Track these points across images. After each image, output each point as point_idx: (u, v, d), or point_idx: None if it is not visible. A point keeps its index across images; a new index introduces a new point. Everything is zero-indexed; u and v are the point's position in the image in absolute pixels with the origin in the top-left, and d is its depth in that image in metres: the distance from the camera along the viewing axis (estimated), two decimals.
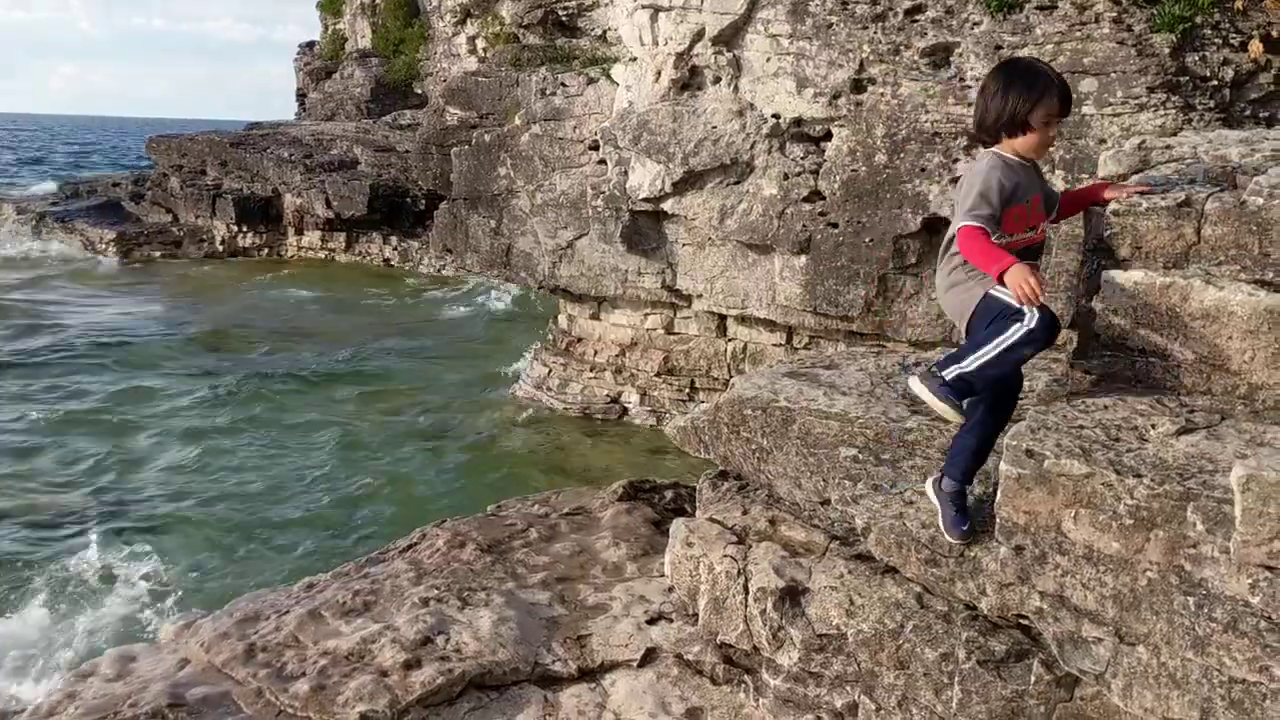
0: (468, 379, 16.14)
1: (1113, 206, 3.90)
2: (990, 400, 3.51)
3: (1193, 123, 8.49)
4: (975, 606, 3.49)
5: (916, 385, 3.55)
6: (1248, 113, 8.72)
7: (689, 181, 11.63)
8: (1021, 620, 3.37)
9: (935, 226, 10.08)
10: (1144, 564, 2.96)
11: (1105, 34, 8.92)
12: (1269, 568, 2.66)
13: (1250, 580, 2.71)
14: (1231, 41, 8.72)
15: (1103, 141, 8.49)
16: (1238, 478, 2.64)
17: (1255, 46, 8.66)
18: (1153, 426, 3.31)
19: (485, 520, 5.78)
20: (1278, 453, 2.81)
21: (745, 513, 4.49)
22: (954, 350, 3.56)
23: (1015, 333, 3.29)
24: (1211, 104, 8.69)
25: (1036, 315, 3.28)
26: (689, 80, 11.67)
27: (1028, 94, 3.48)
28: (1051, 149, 3.63)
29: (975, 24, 9.64)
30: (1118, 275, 3.67)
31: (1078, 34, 9.05)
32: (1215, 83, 8.71)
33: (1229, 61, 8.67)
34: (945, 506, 3.58)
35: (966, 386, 3.45)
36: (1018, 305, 3.29)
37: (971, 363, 3.39)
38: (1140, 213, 3.79)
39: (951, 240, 3.59)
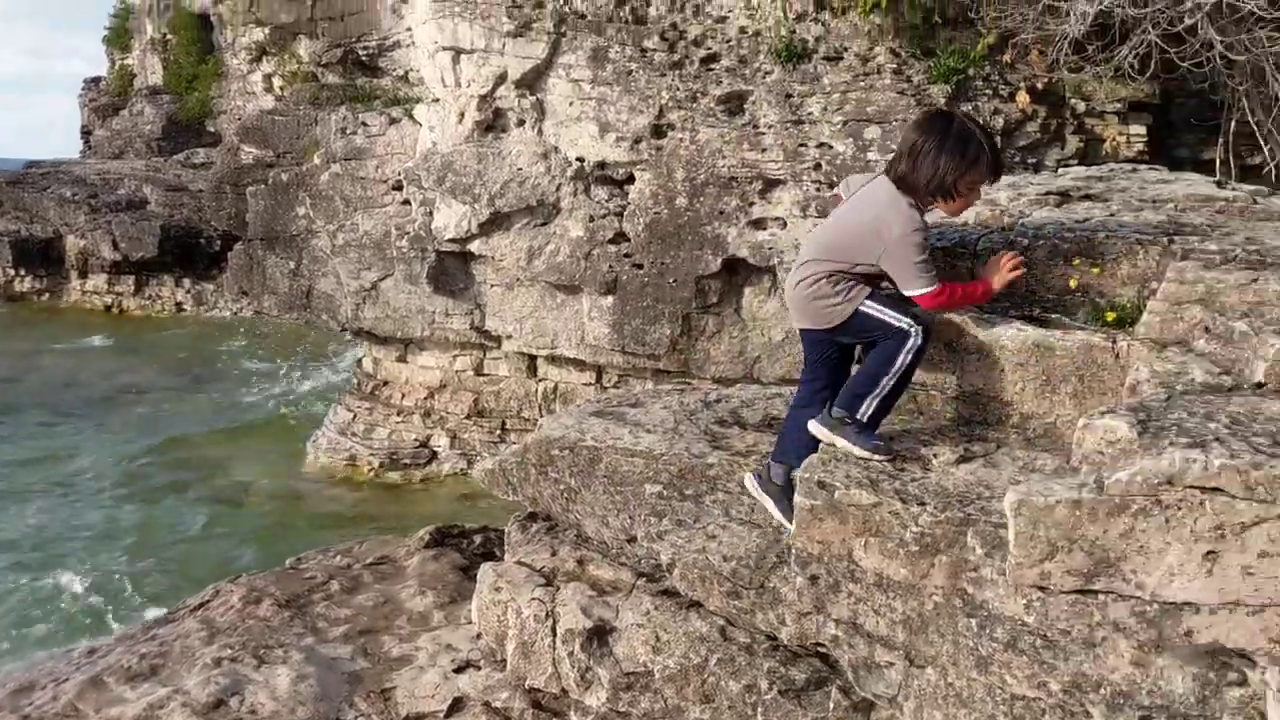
0: (267, 428, 15.53)
1: None
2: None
3: None
4: (776, 637, 3.57)
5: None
6: (1018, 159, 9.35)
7: (496, 222, 11.59)
8: (820, 648, 3.47)
9: (734, 267, 10.39)
10: (930, 588, 3.09)
11: (887, 85, 9.44)
12: (1041, 588, 2.81)
13: (1025, 601, 2.87)
14: (1001, 93, 9.37)
15: None
16: (1010, 503, 2.79)
17: (1022, 98, 9.32)
18: (935, 456, 3.48)
19: (283, 574, 5.56)
20: (1047, 478, 2.98)
21: (554, 554, 4.47)
22: (850, 386, 3.60)
23: (908, 352, 3.45)
24: None
25: (920, 329, 3.45)
26: (493, 122, 11.66)
27: (960, 160, 3.48)
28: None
29: (767, 73, 10.02)
30: None
31: (862, 84, 9.54)
32: None
33: (999, 111, 9.30)
34: (779, 500, 3.68)
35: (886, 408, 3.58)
36: (896, 324, 3.45)
37: (877, 395, 3.50)
38: None
39: (805, 259, 3.68)
